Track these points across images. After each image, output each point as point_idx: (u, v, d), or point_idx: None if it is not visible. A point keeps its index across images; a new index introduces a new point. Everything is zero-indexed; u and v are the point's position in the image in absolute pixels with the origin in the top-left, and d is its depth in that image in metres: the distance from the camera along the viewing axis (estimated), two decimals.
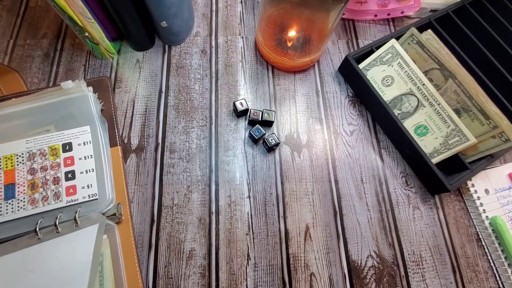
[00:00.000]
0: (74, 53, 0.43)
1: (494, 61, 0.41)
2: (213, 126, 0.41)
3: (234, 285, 0.34)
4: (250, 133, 0.39)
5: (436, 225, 0.39)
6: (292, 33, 0.43)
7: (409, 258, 0.37)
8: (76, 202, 0.32)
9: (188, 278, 0.34)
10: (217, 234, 0.36)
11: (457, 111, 0.38)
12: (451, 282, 0.36)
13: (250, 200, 0.38)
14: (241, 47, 0.46)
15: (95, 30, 0.38)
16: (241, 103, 0.40)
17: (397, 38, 0.41)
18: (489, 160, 0.39)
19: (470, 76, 0.37)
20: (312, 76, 0.45)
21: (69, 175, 0.32)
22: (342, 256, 0.36)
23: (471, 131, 0.36)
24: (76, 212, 0.31)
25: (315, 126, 0.42)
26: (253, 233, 0.36)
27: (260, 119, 0.40)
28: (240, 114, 0.41)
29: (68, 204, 0.32)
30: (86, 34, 0.38)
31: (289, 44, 0.44)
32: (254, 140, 0.40)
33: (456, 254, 0.37)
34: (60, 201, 0.32)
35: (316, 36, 0.42)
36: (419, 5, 0.47)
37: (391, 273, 0.36)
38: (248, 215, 0.37)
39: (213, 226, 0.36)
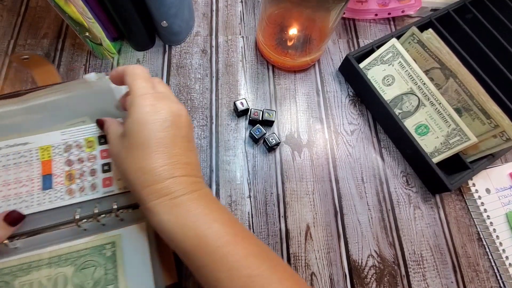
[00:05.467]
0: (75, 53, 0.43)
1: (495, 60, 0.41)
2: (213, 125, 0.41)
3: None
4: (250, 132, 0.39)
5: (437, 225, 0.39)
6: (292, 32, 0.43)
7: (409, 257, 0.37)
8: (112, 193, 0.32)
9: (189, 277, 0.34)
10: None
11: (458, 111, 0.38)
12: (452, 282, 0.36)
13: (250, 199, 0.38)
14: (242, 47, 0.46)
15: (96, 30, 0.38)
16: (242, 103, 0.40)
17: (398, 38, 0.41)
18: (490, 159, 0.39)
19: (471, 75, 0.37)
20: (313, 75, 0.45)
21: (106, 167, 0.33)
22: (343, 256, 0.36)
23: (472, 130, 0.36)
24: (114, 203, 0.31)
25: (316, 126, 0.42)
26: (253, 232, 0.36)
27: (260, 119, 0.40)
28: (241, 113, 0.41)
29: (104, 195, 0.32)
30: (87, 34, 0.38)
31: (290, 44, 0.44)
32: (254, 140, 0.40)
33: (457, 253, 0.37)
34: (96, 192, 0.32)
35: (317, 36, 0.42)
36: (420, 4, 0.47)
37: (391, 272, 0.36)
38: (248, 214, 0.37)
39: None
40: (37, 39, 0.44)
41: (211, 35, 0.46)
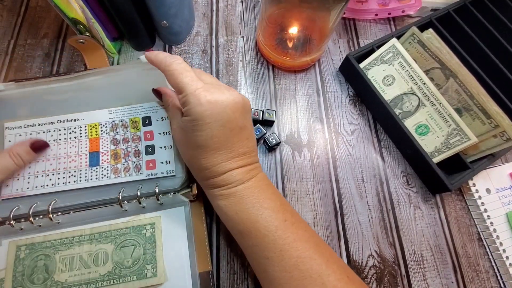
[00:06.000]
0: (75, 53, 0.43)
1: (496, 60, 0.41)
2: None
3: (235, 284, 0.34)
4: None
5: (437, 225, 0.39)
6: (292, 32, 0.43)
7: (410, 257, 0.37)
8: (155, 176, 0.32)
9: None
10: (218, 234, 0.36)
11: (458, 111, 0.38)
12: (452, 282, 0.36)
13: None
14: (242, 47, 0.46)
15: (96, 30, 0.38)
16: None
17: (398, 37, 0.41)
18: (490, 159, 0.39)
19: (471, 75, 0.37)
20: (313, 75, 0.45)
21: (149, 149, 0.33)
22: (343, 256, 0.36)
23: (472, 130, 0.36)
24: (156, 185, 0.32)
25: (316, 126, 0.42)
26: None
27: (260, 119, 0.40)
28: None
29: (148, 177, 0.32)
30: (87, 34, 0.38)
31: (290, 44, 0.44)
32: None
33: (457, 253, 0.37)
34: (140, 173, 0.32)
35: (317, 36, 0.42)
36: (420, 4, 0.47)
37: (392, 272, 0.36)
38: None
39: (214, 226, 0.36)
40: (37, 39, 0.44)
41: (211, 35, 0.46)
